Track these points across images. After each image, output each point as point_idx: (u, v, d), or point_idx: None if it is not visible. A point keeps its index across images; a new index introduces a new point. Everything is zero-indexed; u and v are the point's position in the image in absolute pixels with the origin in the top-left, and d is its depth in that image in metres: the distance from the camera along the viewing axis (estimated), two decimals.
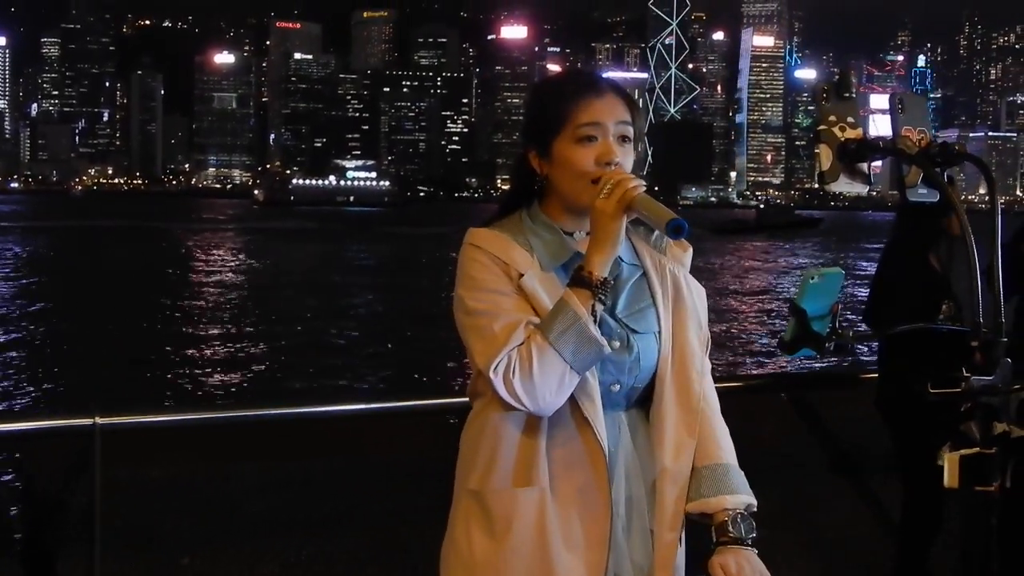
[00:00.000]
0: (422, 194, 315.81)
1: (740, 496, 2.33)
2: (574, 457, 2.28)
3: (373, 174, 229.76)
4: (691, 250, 2.49)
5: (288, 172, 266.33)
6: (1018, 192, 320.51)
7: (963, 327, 1.94)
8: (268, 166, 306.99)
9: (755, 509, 2.33)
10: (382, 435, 4.14)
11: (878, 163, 2.28)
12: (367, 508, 4.05)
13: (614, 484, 2.29)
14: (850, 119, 2.20)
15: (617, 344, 2.31)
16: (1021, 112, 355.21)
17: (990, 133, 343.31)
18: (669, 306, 2.39)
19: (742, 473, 2.38)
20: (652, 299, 2.39)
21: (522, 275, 2.27)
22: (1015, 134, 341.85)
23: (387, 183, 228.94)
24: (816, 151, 2.23)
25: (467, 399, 2.46)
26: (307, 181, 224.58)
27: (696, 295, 2.44)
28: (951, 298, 4.41)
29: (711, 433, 2.39)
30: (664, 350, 2.36)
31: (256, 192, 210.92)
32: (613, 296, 2.34)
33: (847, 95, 2.17)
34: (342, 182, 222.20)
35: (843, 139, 2.20)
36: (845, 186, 2.22)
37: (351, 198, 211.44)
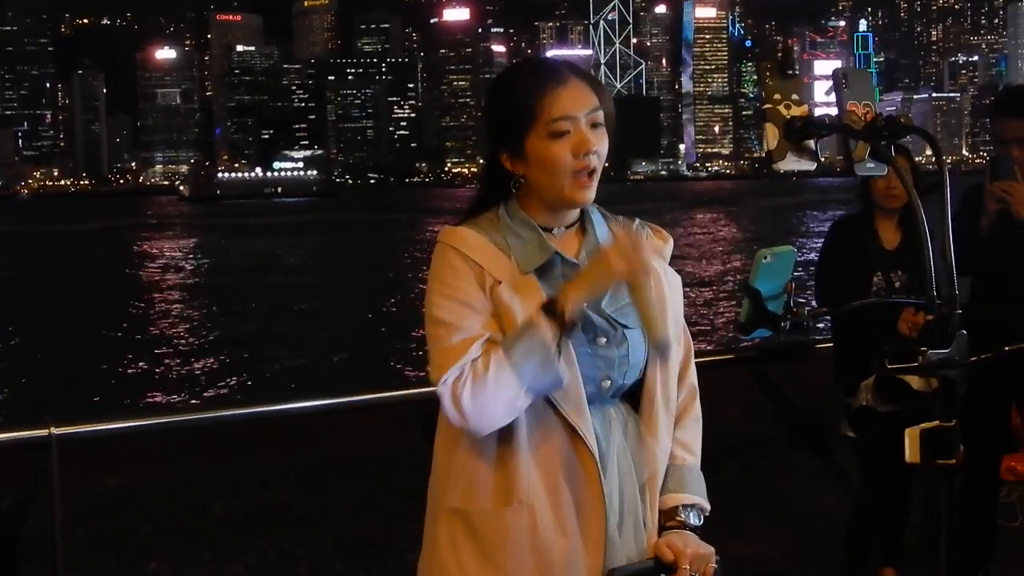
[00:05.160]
0: (372, 181, 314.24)
1: (696, 497, 2.35)
2: (564, 463, 2.21)
3: (300, 164, 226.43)
4: (672, 241, 2.42)
5: (236, 165, 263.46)
6: (964, 152, 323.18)
7: (917, 299, 2.01)
8: (207, 161, 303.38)
9: (707, 513, 2.36)
10: (343, 431, 4.12)
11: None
12: (332, 506, 4.03)
13: (606, 481, 2.23)
14: (795, 96, 2.18)
15: (604, 340, 2.25)
16: (963, 72, 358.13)
17: (934, 94, 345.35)
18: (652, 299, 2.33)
19: (702, 475, 2.39)
20: None
21: (499, 283, 2.20)
22: (958, 94, 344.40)
23: (315, 172, 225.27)
24: (762, 131, 2.17)
25: (430, 388, 2.29)
26: (233, 174, 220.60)
27: (673, 287, 2.38)
28: (903, 269, 4.41)
29: (683, 429, 2.40)
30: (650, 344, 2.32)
31: (181, 188, 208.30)
32: None
33: (791, 72, 2.19)
34: (269, 173, 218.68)
35: (789, 117, 2.17)
36: (793, 164, 2.20)
37: (279, 189, 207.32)
